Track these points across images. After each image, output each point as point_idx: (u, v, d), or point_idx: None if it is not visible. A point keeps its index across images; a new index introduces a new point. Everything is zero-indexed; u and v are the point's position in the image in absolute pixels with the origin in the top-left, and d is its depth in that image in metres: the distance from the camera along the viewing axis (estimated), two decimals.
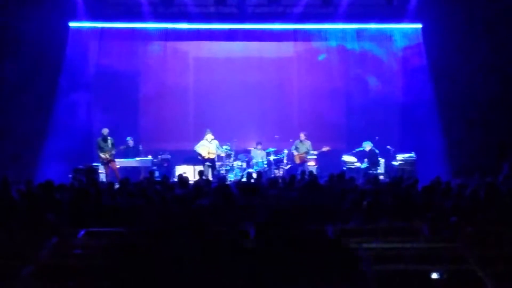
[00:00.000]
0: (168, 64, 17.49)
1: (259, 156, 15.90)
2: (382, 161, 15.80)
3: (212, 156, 15.25)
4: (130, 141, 15.83)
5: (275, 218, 7.67)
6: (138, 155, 15.74)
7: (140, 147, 16.09)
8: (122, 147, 15.64)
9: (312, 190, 9.54)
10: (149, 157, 15.77)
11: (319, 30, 16.71)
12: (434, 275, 5.33)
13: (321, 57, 16.79)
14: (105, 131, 15.02)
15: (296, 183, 10.75)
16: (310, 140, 15.75)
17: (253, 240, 5.72)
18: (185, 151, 16.27)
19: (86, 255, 5.59)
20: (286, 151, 15.92)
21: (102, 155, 14.85)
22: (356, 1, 15.91)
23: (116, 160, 15.09)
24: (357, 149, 15.75)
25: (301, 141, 15.63)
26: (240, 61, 17.07)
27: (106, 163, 14.86)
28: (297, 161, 15.61)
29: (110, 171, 14.85)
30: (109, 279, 4.76)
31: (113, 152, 14.98)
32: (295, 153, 15.65)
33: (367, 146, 15.49)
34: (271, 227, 5.55)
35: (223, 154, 15.68)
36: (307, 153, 15.57)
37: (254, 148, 16.14)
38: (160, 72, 17.39)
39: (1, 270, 5.03)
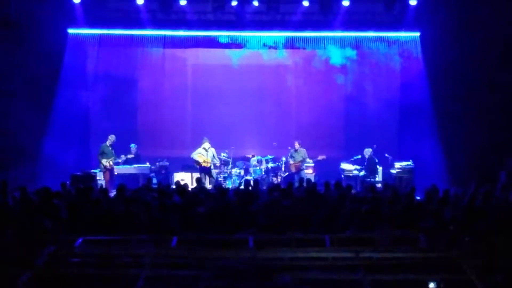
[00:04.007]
0: (166, 71, 17.53)
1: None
2: (380, 169, 15.81)
3: (207, 165, 15.26)
4: (133, 149, 15.82)
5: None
6: (139, 162, 15.73)
7: (138, 152, 16.09)
8: (129, 156, 15.64)
9: (311, 198, 9.55)
10: (147, 164, 15.76)
11: (317, 38, 16.72)
12: (431, 285, 5.33)
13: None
14: (112, 138, 15.07)
15: (295, 191, 10.76)
16: (307, 148, 15.78)
17: None
18: (183, 158, 16.25)
19: (83, 263, 5.59)
20: (284, 159, 15.94)
21: (104, 161, 14.86)
22: (355, 9, 15.94)
23: (114, 167, 15.14)
24: (355, 157, 15.77)
25: (296, 150, 15.65)
26: (238, 68, 17.06)
27: (107, 170, 14.88)
28: (293, 169, 15.63)
29: (110, 178, 14.87)
30: None
31: (117, 160, 15.09)
32: (291, 161, 15.67)
33: (367, 153, 15.49)
34: None
35: (218, 164, 15.69)
36: (302, 162, 15.59)
37: (252, 156, 16.20)
38: (158, 78, 17.43)
39: None
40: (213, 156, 15.42)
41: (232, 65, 16.96)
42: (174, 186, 11.80)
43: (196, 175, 14.85)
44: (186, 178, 15.36)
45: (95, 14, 16.07)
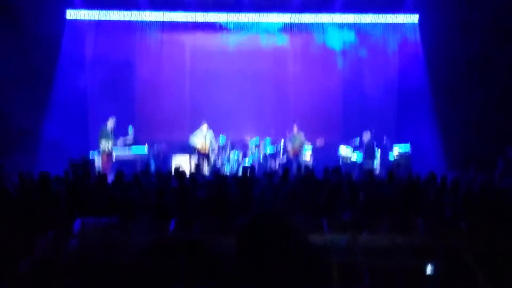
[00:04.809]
0: (165, 55, 17.44)
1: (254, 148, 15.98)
2: (378, 153, 15.79)
3: (206, 151, 15.28)
4: (131, 131, 15.77)
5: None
6: (136, 145, 15.71)
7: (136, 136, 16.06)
8: (128, 141, 15.58)
9: (308, 184, 9.57)
10: (145, 148, 15.73)
11: (316, 23, 16.65)
12: (429, 271, 5.36)
13: None
14: (112, 120, 15.04)
15: (292, 176, 10.78)
16: (305, 132, 15.76)
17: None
18: (181, 141, 16.23)
19: (82, 248, 5.60)
20: (282, 141, 15.91)
21: (103, 144, 14.82)
22: None
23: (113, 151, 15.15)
24: (353, 140, 15.73)
25: (294, 134, 15.64)
26: (236, 52, 17.00)
27: (105, 153, 14.85)
28: (291, 154, 15.63)
29: (108, 162, 14.86)
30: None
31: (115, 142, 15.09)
32: (289, 146, 15.66)
33: (366, 136, 15.44)
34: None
35: (216, 148, 15.68)
36: (301, 147, 15.59)
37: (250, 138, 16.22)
38: (157, 63, 17.35)
39: None
40: (211, 140, 15.42)
41: (231, 49, 16.90)
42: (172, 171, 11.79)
43: (195, 157, 14.89)
44: (184, 162, 15.35)
45: None
